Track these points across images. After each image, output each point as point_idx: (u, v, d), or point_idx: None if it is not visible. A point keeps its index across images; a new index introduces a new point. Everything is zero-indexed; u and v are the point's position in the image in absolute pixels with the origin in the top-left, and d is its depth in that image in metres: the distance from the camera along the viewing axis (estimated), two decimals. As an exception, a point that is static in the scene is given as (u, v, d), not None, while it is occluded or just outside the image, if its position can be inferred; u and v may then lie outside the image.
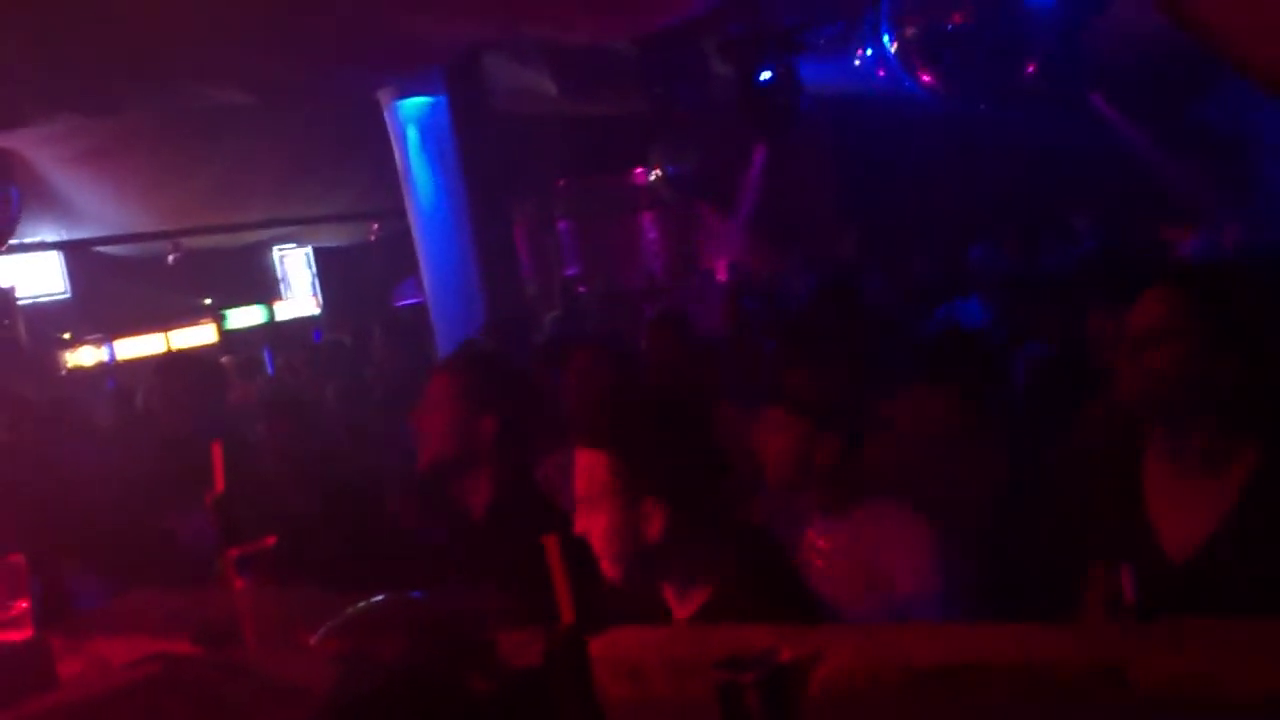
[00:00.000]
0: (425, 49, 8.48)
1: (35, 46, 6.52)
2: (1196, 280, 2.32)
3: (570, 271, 16.51)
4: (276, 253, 15.66)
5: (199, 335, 13.49)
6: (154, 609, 2.53)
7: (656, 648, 1.86)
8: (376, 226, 14.64)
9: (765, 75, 10.23)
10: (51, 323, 12.45)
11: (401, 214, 9.85)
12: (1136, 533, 2.29)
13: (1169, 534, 2.26)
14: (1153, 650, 1.57)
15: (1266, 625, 1.69)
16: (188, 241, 13.06)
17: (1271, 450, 2.20)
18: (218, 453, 2.18)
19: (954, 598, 2.74)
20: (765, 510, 3.23)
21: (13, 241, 10.67)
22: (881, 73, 9.69)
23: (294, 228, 14.62)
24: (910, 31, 8.65)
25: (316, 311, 15.67)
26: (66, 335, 12.48)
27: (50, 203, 10.92)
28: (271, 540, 2.19)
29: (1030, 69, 8.52)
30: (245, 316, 14.47)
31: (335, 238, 15.55)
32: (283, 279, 15.78)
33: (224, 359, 10.17)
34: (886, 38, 9.02)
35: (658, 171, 15.33)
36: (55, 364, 12.00)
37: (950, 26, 8.42)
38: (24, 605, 2.23)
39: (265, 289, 15.35)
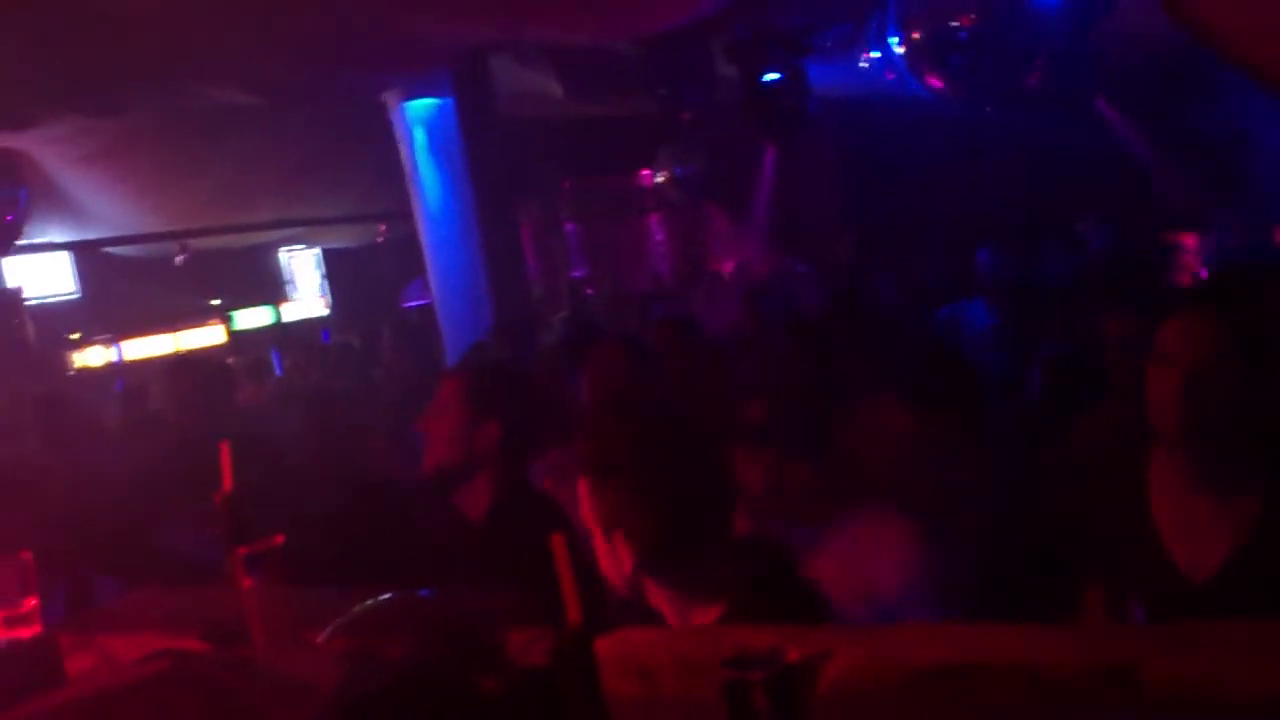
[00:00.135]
0: (432, 51, 8.49)
1: (43, 48, 6.54)
2: (1239, 301, 2.30)
3: (577, 273, 16.51)
4: (284, 254, 15.68)
5: (207, 336, 13.52)
6: (162, 606, 2.54)
7: (665, 647, 1.86)
8: (384, 228, 14.65)
9: (771, 77, 10.23)
10: (60, 323, 12.48)
11: (409, 215, 9.87)
12: (1146, 550, 2.29)
13: (1184, 554, 2.25)
14: (1158, 651, 1.57)
15: (1272, 627, 1.69)
16: (196, 242, 13.08)
17: None
18: (226, 452, 2.19)
19: (939, 594, 2.76)
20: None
21: (21, 242, 10.70)
22: (890, 75, 9.68)
23: (302, 229, 14.63)
24: (917, 34, 8.65)
25: (324, 313, 15.69)
26: (75, 335, 12.50)
27: (58, 203, 10.95)
28: (280, 539, 2.19)
29: (1037, 72, 8.51)
30: (253, 317, 14.50)
31: (343, 239, 15.57)
32: (290, 280, 15.81)
33: (230, 360, 10.19)
34: (894, 40, 9.02)
35: (665, 173, 15.35)
36: (63, 364, 12.03)
37: (957, 29, 8.42)
38: (33, 602, 2.23)
39: (273, 290, 15.37)
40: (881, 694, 1.64)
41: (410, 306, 14.49)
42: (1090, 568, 2.42)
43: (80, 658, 2.16)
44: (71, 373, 11.95)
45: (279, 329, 14.47)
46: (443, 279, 9.62)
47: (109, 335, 12.54)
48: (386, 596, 1.91)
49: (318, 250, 15.84)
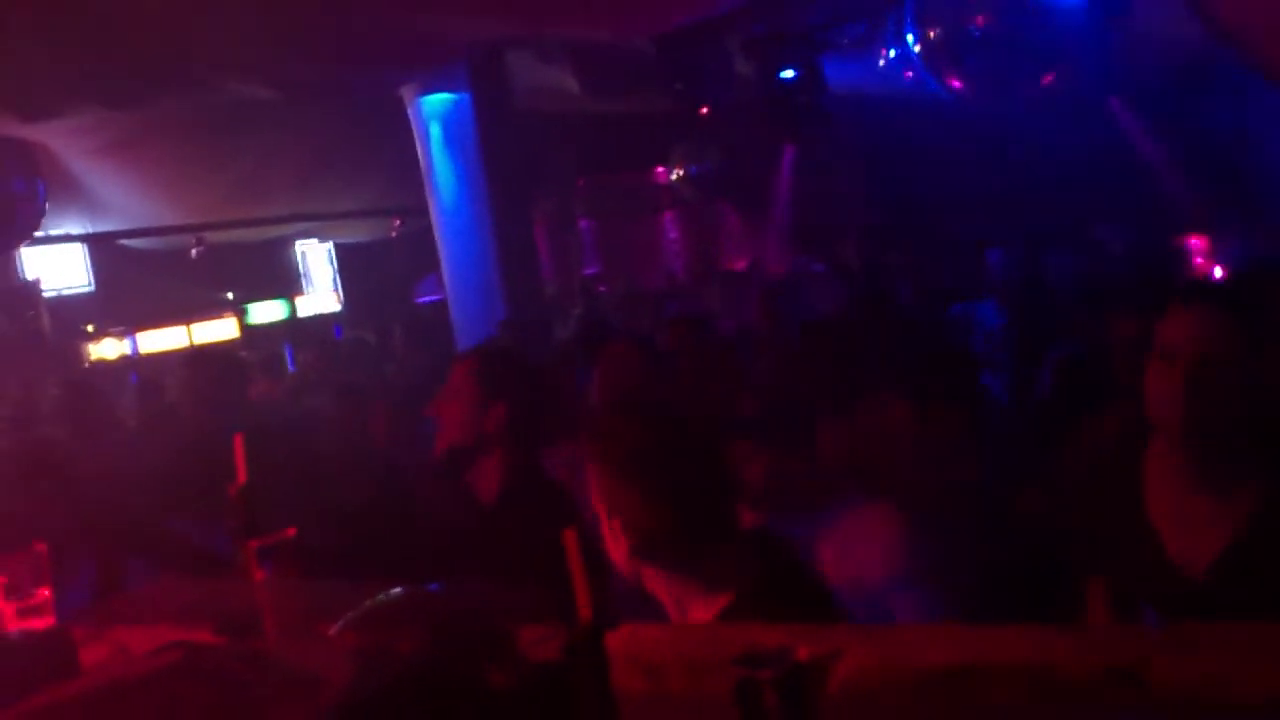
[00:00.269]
0: (448, 46, 8.50)
1: (63, 41, 6.57)
2: (1243, 300, 2.30)
3: (590, 270, 16.51)
4: (299, 248, 15.71)
5: (221, 329, 13.56)
6: (175, 598, 2.55)
7: (675, 644, 1.86)
8: (399, 223, 14.67)
9: (788, 74, 10.22)
10: (75, 315, 12.53)
11: (423, 210, 9.88)
12: (1143, 547, 2.29)
13: (1180, 550, 2.26)
14: (1166, 653, 1.57)
15: (1277, 627, 1.69)
16: (210, 236, 13.11)
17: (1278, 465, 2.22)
18: (239, 445, 2.20)
19: (927, 583, 2.79)
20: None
21: (37, 234, 10.75)
22: (909, 74, 9.67)
23: (316, 223, 14.67)
24: (934, 33, 8.63)
25: (338, 307, 15.72)
26: (90, 328, 12.56)
27: (75, 195, 11.00)
28: (292, 532, 2.20)
29: (1053, 72, 8.49)
30: (267, 311, 14.53)
31: (357, 233, 15.59)
32: (304, 274, 15.84)
33: (243, 354, 10.22)
34: (910, 38, 9.01)
35: (679, 170, 15.34)
36: (79, 356, 12.08)
37: (974, 28, 8.40)
38: (46, 593, 2.25)
39: (287, 284, 15.41)
40: (891, 694, 1.64)
41: (423, 302, 14.51)
42: (1093, 567, 2.42)
43: (94, 649, 2.18)
44: (87, 365, 11.99)
45: (292, 323, 14.50)
46: (456, 274, 9.63)
47: (123, 327, 12.59)
48: (397, 591, 1.91)
49: (331, 244, 15.87)
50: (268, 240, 14.84)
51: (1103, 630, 1.92)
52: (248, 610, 2.08)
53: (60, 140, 9.91)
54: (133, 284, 13.09)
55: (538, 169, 11.44)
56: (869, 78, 10.87)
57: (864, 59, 10.69)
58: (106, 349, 12.45)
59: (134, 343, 12.62)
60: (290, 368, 10.47)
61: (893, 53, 10.16)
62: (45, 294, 11.68)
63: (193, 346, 12.65)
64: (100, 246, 12.97)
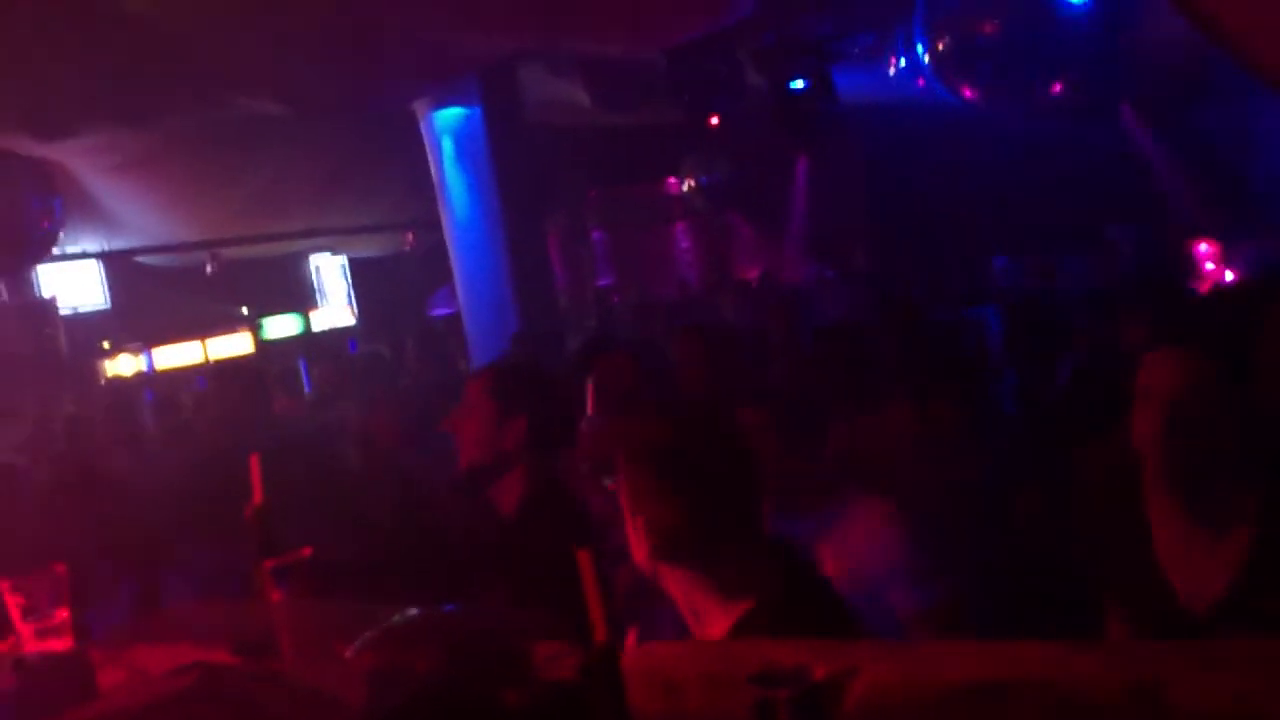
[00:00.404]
0: (461, 61, 8.53)
1: (81, 60, 6.61)
2: (1219, 332, 2.33)
3: (603, 281, 16.53)
4: (313, 262, 15.76)
5: (236, 344, 13.59)
6: (193, 619, 2.56)
7: (690, 661, 1.86)
8: (412, 236, 14.71)
9: (798, 84, 10.23)
10: (91, 332, 12.59)
11: (437, 224, 9.91)
12: (1149, 582, 2.31)
13: (1183, 587, 2.28)
14: (1188, 670, 1.56)
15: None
16: (225, 251, 13.17)
17: (1277, 500, 2.22)
18: (256, 465, 2.20)
19: (925, 576, 2.82)
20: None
21: (54, 251, 10.81)
22: (921, 82, 9.68)
23: (330, 238, 14.72)
24: (943, 42, 8.64)
25: (352, 321, 15.75)
26: (106, 344, 12.61)
27: (91, 213, 11.06)
28: (308, 551, 2.20)
29: (1063, 79, 8.48)
30: (281, 326, 14.57)
31: (371, 248, 15.64)
32: (319, 289, 15.88)
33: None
34: (920, 47, 9.02)
35: (690, 181, 15.36)
36: (95, 373, 12.13)
37: (983, 37, 8.40)
38: (64, 614, 2.25)
39: (301, 298, 15.45)
40: (909, 712, 1.63)
41: (437, 315, 14.53)
42: (1106, 590, 2.44)
43: (112, 671, 2.18)
44: (103, 382, 12.04)
45: (306, 337, 14.53)
46: (469, 287, 9.65)
47: (139, 344, 12.64)
48: (414, 612, 1.92)
49: (345, 259, 15.91)
50: (282, 255, 14.89)
51: (1124, 648, 1.91)
52: (264, 631, 2.08)
53: (77, 158, 9.97)
54: (148, 300, 13.15)
55: (550, 181, 11.46)
56: (879, 87, 10.87)
57: (874, 68, 10.69)
58: (122, 365, 12.50)
59: (150, 359, 12.67)
60: (305, 382, 10.50)
61: (903, 62, 10.16)
62: (62, 311, 11.74)
63: (211, 362, 12.70)
64: (116, 263, 13.04)
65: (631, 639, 2.34)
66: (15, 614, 2.24)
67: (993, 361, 5.23)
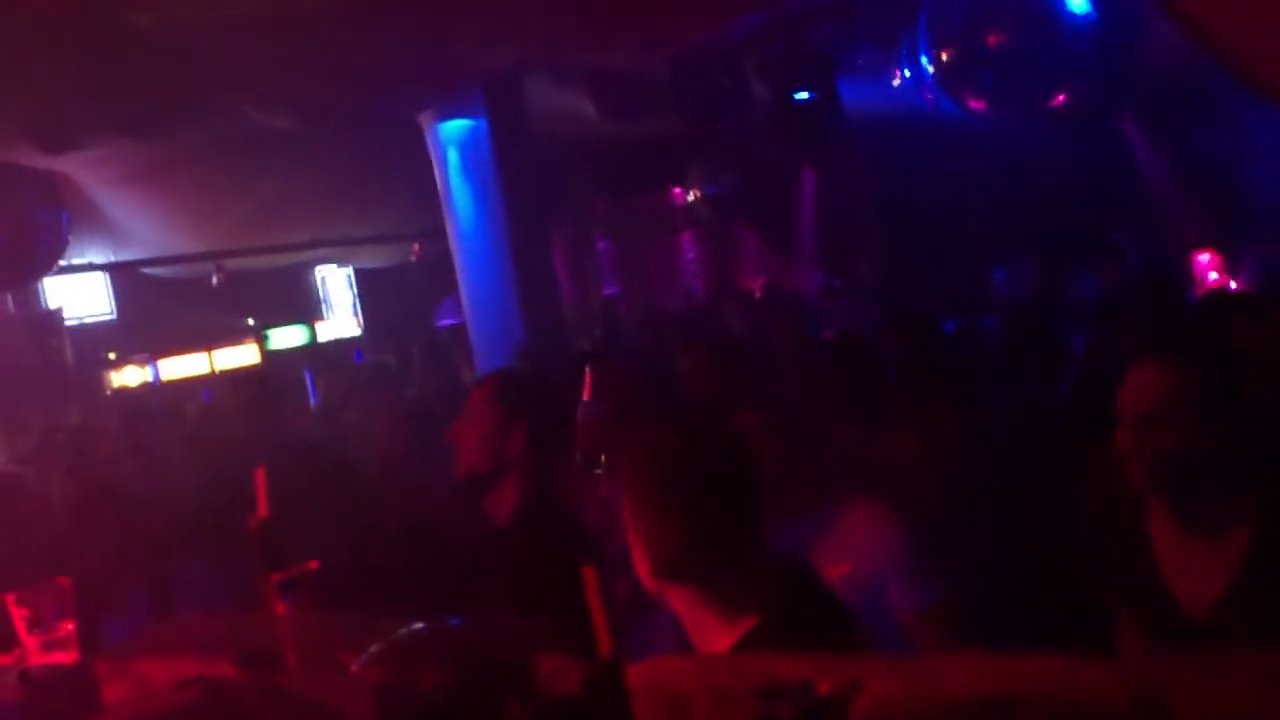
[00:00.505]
0: (466, 73, 8.55)
1: (85, 73, 6.63)
2: (1187, 349, 2.33)
3: (609, 291, 16.53)
4: (318, 273, 15.78)
5: (242, 355, 13.61)
6: (197, 632, 2.56)
7: (696, 675, 1.85)
8: (417, 247, 14.74)
9: (803, 95, 10.24)
10: (98, 343, 12.61)
11: (442, 234, 9.93)
12: (1149, 587, 2.33)
13: (1182, 591, 2.29)
14: (1195, 682, 1.56)
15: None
16: (231, 263, 13.20)
17: (1271, 504, 2.24)
18: (261, 479, 2.20)
19: (922, 573, 2.83)
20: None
21: (60, 263, 10.83)
22: (929, 95, 9.68)
23: (336, 248, 14.74)
24: (947, 53, 8.64)
25: (358, 332, 15.77)
26: (112, 355, 12.63)
27: (97, 225, 11.08)
28: (314, 565, 2.20)
29: (1067, 89, 8.48)
30: (287, 337, 14.59)
31: (376, 258, 15.67)
32: (324, 299, 15.91)
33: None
34: (924, 58, 9.02)
35: (696, 192, 15.36)
36: (101, 384, 12.15)
37: (986, 48, 8.41)
38: (69, 627, 2.26)
39: (307, 309, 15.47)
40: (916, 725, 1.63)
41: (443, 325, 14.55)
42: (1110, 599, 2.45)
43: (116, 684, 2.18)
44: (109, 392, 12.06)
45: (312, 348, 14.56)
46: (475, 297, 9.66)
47: (145, 355, 12.66)
48: (419, 626, 1.92)
49: (351, 269, 15.94)
50: (288, 266, 14.92)
51: (1131, 660, 1.91)
52: (269, 644, 2.08)
53: (83, 170, 9.99)
54: (154, 312, 13.18)
55: (555, 192, 11.47)
56: (884, 97, 10.88)
57: (879, 79, 10.70)
58: (128, 376, 12.52)
59: (155, 370, 12.69)
60: (310, 392, 10.52)
61: (907, 72, 10.17)
62: (68, 322, 11.76)
63: (217, 373, 12.73)
64: (122, 275, 13.07)
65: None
66: (20, 626, 2.24)
67: (994, 369, 5.25)
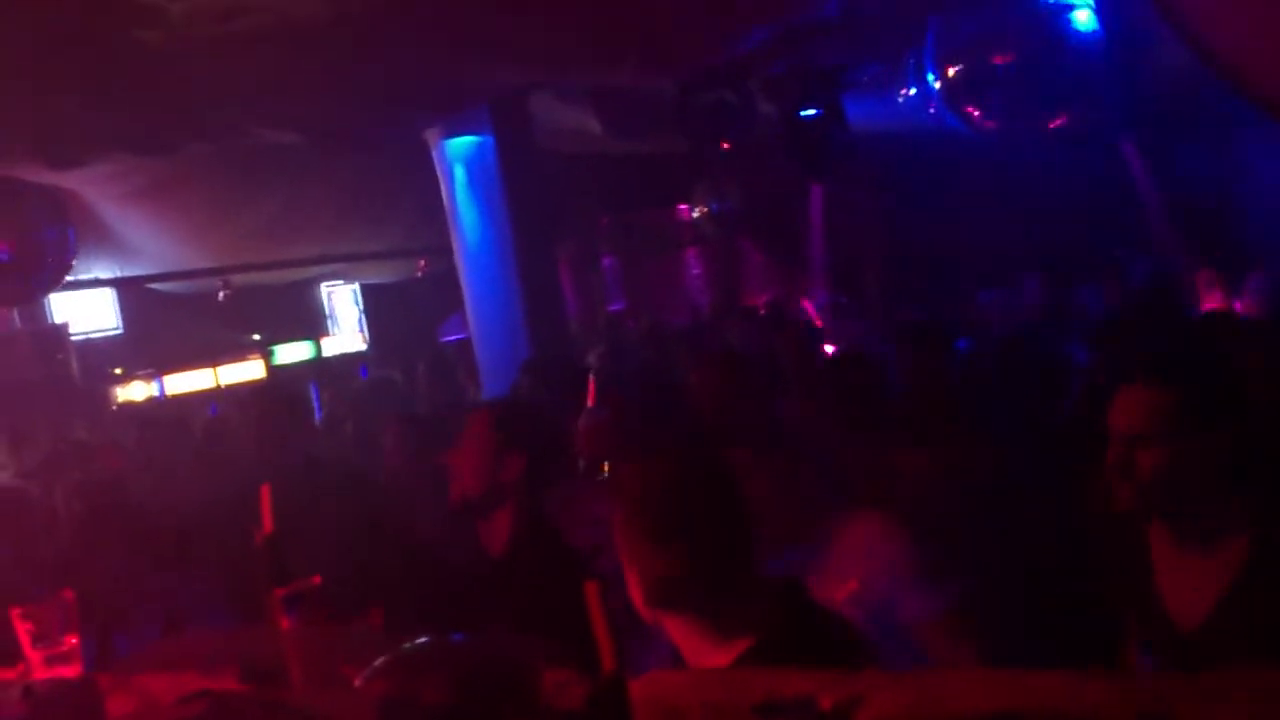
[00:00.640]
0: (473, 91, 8.58)
1: (92, 90, 6.66)
2: (1177, 369, 2.33)
3: (615, 307, 16.55)
4: (324, 289, 15.81)
5: (247, 371, 13.63)
6: (202, 646, 2.56)
7: (694, 690, 1.85)
8: (424, 263, 14.76)
9: (809, 112, 10.26)
10: (103, 358, 12.63)
11: (448, 251, 9.94)
12: (1145, 600, 2.35)
13: (1175, 605, 2.30)
14: (1198, 700, 1.56)
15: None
16: (237, 278, 13.23)
17: (1266, 519, 2.24)
18: (266, 494, 2.21)
19: (929, 581, 2.82)
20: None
21: (66, 278, 10.85)
22: (933, 109, 9.70)
23: (342, 264, 14.77)
24: (953, 70, 8.67)
25: (363, 347, 15.79)
26: (118, 370, 12.65)
27: (104, 240, 11.11)
28: (318, 579, 2.21)
29: (1073, 107, 8.50)
30: (293, 352, 14.60)
31: (382, 274, 15.69)
32: (330, 315, 15.93)
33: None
34: (930, 76, 9.04)
35: (701, 208, 15.39)
36: (107, 399, 12.17)
37: (993, 66, 8.43)
38: (73, 641, 2.26)
39: (312, 325, 15.49)
40: (916, 741, 1.63)
41: (449, 340, 14.55)
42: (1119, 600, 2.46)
43: (121, 698, 2.18)
44: (114, 407, 12.08)
45: (318, 364, 14.57)
46: (481, 313, 9.67)
47: (151, 370, 12.67)
48: (423, 640, 1.92)
49: (356, 285, 15.97)
50: (293, 282, 14.94)
51: (1133, 677, 1.91)
52: (274, 658, 2.08)
53: (90, 187, 10.02)
54: (160, 327, 13.20)
55: (561, 208, 11.49)
56: (890, 115, 10.90)
57: (885, 96, 10.72)
58: (135, 391, 12.53)
59: (161, 385, 12.70)
60: (315, 407, 10.53)
61: (913, 90, 10.19)
62: (74, 337, 11.78)
63: (222, 387, 12.75)
64: (129, 290, 13.09)
65: None
66: (25, 640, 2.24)
67: (1000, 384, 5.24)
